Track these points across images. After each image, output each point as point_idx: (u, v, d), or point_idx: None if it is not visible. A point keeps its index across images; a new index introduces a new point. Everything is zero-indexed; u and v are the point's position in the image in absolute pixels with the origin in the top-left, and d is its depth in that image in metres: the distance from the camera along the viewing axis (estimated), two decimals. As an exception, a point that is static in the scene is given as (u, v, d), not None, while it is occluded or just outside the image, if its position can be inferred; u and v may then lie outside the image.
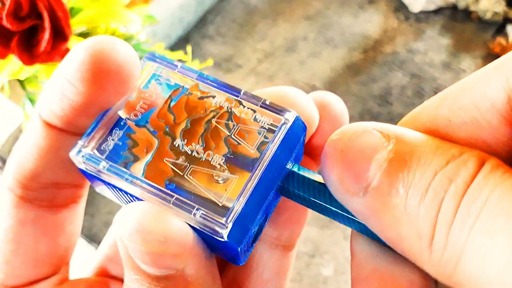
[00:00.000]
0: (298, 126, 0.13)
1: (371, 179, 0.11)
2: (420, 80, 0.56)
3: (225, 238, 0.11)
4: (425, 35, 0.60)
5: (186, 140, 0.12)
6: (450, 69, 0.57)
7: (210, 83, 0.13)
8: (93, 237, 0.46)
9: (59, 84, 0.12)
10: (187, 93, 0.13)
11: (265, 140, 0.13)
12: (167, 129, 0.13)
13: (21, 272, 0.14)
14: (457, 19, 0.62)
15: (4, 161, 0.49)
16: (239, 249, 0.12)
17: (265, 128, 0.13)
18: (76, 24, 0.31)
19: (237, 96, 0.13)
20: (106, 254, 0.17)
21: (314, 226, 0.46)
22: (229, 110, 0.13)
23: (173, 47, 0.61)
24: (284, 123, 0.13)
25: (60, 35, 0.30)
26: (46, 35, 0.29)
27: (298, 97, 0.14)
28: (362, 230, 0.12)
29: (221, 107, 0.13)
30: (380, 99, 0.55)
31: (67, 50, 0.31)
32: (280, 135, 0.13)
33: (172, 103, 0.13)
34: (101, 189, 0.14)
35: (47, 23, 0.29)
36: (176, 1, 0.59)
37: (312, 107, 0.14)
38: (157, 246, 0.11)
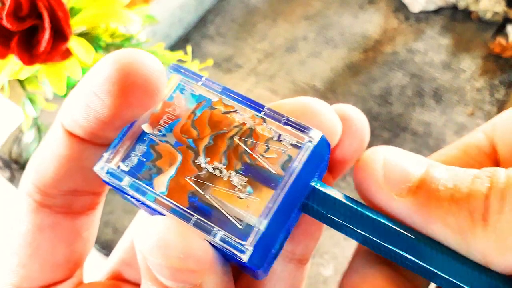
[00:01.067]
0: (323, 145, 0.13)
1: (414, 179, 0.12)
2: (420, 80, 0.56)
3: (245, 261, 0.11)
4: (425, 35, 0.60)
5: (208, 157, 0.12)
6: (450, 69, 0.57)
7: (234, 97, 0.13)
8: (93, 237, 0.46)
9: (84, 95, 0.12)
10: (210, 107, 0.13)
11: (289, 158, 0.12)
12: (190, 144, 0.13)
13: (37, 275, 0.14)
14: (457, 19, 0.62)
15: (4, 161, 0.49)
16: (259, 268, 0.12)
17: (288, 146, 0.12)
18: (76, 24, 0.31)
19: (260, 112, 0.13)
20: (121, 258, 0.17)
21: (314, 226, 0.46)
22: (252, 127, 0.13)
23: (173, 47, 0.61)
24: (309, 141, 0.12)
25: (60, 35, 0.30)
26: (46, 35, 0.29)
27: (323, 110, 0.13)
28: (375, 247, 0.13)
29: (244, 124, 0.13)
30: (380, 99, 0.55)
31: (67, 50, 0.31)
32: (304, 155, 0.12)
33: (196, 117, 0.13)
34: (122, 196, 0.14)
35: (47, 23, 0.29)
36: (176, 1, 0.59)
37: (337, 120, 0.14)
38: (176, 262, 0.11)
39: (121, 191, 0.13)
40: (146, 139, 0.13)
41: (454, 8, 0.62)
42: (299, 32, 0.62)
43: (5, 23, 0.29)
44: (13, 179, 0.48)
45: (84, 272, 0.16)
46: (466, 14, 0.62)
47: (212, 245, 0.12)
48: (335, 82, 0.57)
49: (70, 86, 0.35)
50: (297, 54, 0.60)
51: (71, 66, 0.31)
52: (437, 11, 0.62)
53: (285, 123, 0.13)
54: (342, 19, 0.63)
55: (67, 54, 0.31)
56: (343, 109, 0.14)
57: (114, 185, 0.12)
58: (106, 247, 0.45)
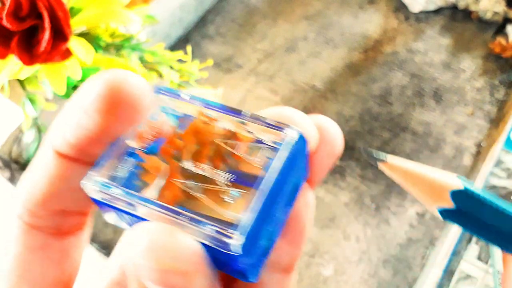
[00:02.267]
0: (302, 143, 0.13)
1: None
2: (420, 80, 0.56)
3: (240, 252, 0.11)
4: (425, 35, 0.60)
5: (194, 163, 0.13)
6: (450, 69, 0.57)
7: (215, 108, 0.14)
8: (93, 237, 0.46)
9: (74, 114, 0.13)
10: (193, 120, 0.14)
11: (270, 157, 0.13)
12: (176, 155, 0.13)
13: None
14: (457, 19, 0.62)
15: (4, 161, 0.49)
16: (251, 263, 0.12)
17: (269, 145, 0.13)
18: (76, 24, 0.31)
19: (241, 118, 0.14)
20: (111, 278, 0.17)
21: (314, 226, 0.46)
22: (234, 131, 0.13)
23: (173, 47, 0.61)
24: (288, 139, 0.13)
25: (60, 35, 0.30)
26: (46, 35, 0.29)
27: (299, 118, 0.14)
28: None
29: (225, 129, 0.13)
30: (380, 99, 0.55)
31: (67, 50, 0.31)
32: (284, 152, 0.13)
33: (180, 130, 0.14)
34: (111, 217, 0.14)
35: (47, 23, 0.29)
36: (176, 1, 0.59)
37: (313, 127, 0.14)
38: (167, 262, 0.11)
39: (108, 205, 0.13)
40: (132, 153, 0.13)
41: (454, 8, 0.62)
42: (299, 32, 0.62)
43: (5, 23, 0.29)
44: (13, 179, 0.48)
45: (81, 273, 0.16)
46: (466, 14, 0.62)
47: (203, 246, 0.12)
48: (335, 82, 0.57)
49: (70, 86, 0.35)
50: (297, 54, 0.60)
51: (71, 66, 0.31)
52: (437, 11, 0.62)
53: (265, 125, 0.13)
54: (342, 19, 0.63)
55: (67, 54, 0.31)
56: (317, 120, 0.15)
57: (101, 199, 0.13)
58: (106, 247, 0.45)
